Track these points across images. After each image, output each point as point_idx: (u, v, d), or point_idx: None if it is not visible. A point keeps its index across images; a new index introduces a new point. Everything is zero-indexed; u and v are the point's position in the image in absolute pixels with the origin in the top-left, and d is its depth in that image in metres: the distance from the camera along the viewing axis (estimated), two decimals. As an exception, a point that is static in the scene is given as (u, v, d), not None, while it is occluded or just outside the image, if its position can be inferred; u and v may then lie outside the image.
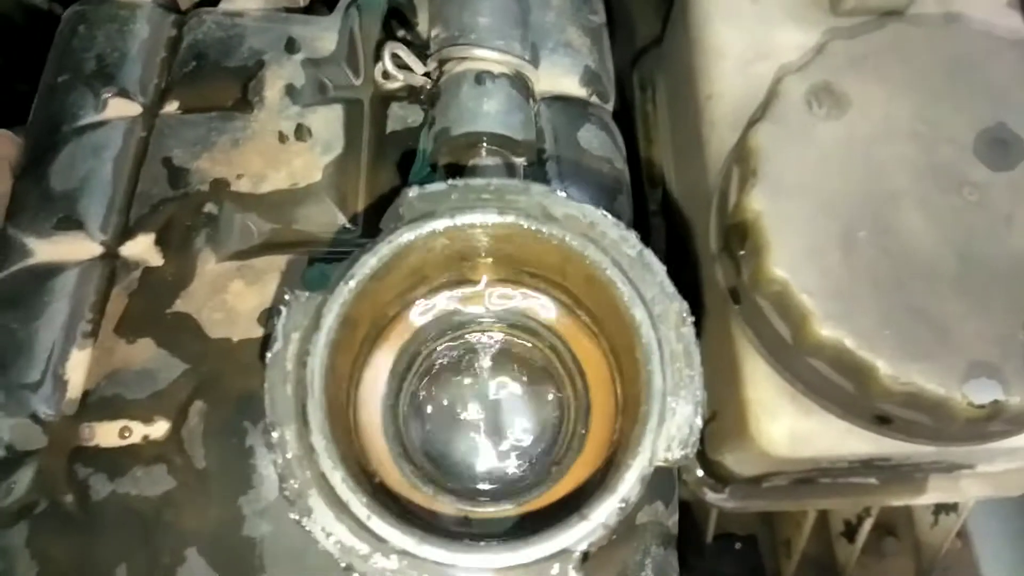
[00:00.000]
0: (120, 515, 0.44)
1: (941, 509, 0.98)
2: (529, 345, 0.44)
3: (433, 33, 0.50)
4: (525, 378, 0.44)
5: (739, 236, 0.67)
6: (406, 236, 0.39)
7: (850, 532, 0.98)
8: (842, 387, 0.65)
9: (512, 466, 0.42)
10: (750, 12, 0.79)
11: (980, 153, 0.66)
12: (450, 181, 0.40)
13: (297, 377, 0.37)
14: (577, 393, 0.43)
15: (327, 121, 0.55)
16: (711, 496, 0.87)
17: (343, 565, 0.34)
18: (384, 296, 0.41)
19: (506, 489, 0.41)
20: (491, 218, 0.40)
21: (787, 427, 0.70)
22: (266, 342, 0.39)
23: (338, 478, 0.35)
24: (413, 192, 0.41)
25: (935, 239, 0.64)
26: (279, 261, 0.50)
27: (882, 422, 0.66)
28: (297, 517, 0.35)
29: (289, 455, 0.36)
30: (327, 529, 0.35)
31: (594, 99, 0.58)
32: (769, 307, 0.67)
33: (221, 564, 0.43)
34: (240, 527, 0.43)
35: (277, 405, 0.36)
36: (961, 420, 0.60)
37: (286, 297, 0.38)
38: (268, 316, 0.47)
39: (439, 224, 0.39)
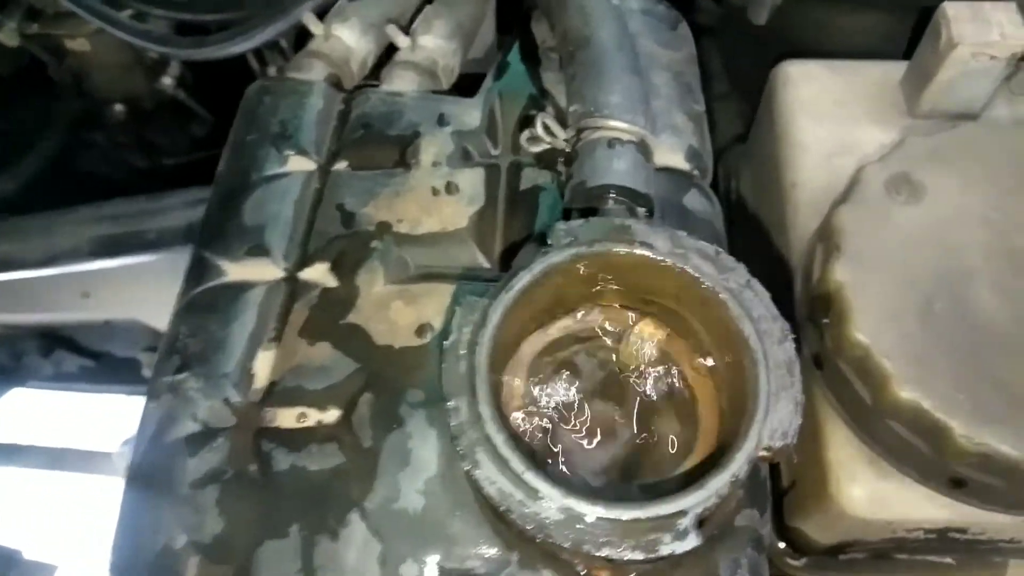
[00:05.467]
0: (296, 483, 0.53)
1: (1024, 600, 0.97)
2: (645, 361, 0.52)
3: (572, 108, 0.61)
4: (643, 389, 0.51)
5: (823, 306, 0.74)
6: (554, 258, 0.49)
7: (927, 618, 0.98)
8: (919, 449, 0.69)
9: (632, 461, 0.49)
10: (833, 111, 0.88)
11: (1051, 240, 0.72)
12: (591, 218, 0.50)
13: (468, 361, 0.46)
14: (686, 402, 0.50)
15: (471, 180, 0.67)
16: (790, 563, 0.89)
17: (502, 508, 0.42)
18: (530, 309, 0.50)
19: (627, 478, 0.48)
20: (623, 248, 0.49)
21: (866, 489, 0.73)
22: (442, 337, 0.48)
23: (500, 440, 0.43)
24: (561, 225, 0.50)
25: (1008, 315, 0.69)
26: (432, 287, 0.60)
27: (958, 485, 0.69)
28: (468, 468, 0.43)
29: (462, 419, 0.44)
30: (491, 479, 0.43)
31: (696, 173, 0.68)
32: (851, 371, 0.71)
33: (379, 529, 0.51)
34: (397, 499, 0.51)
35: (452, 382, 0.45)
36: (1033, 483, 0.64)
37: (460, 301, 0.47)
38: (422, 330, 0.57)
39: (581, 250, 0.49)
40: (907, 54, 0.87)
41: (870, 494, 0.72)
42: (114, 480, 0.57)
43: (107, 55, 1.42)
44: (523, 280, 0.47)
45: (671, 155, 0.68)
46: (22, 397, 1.76)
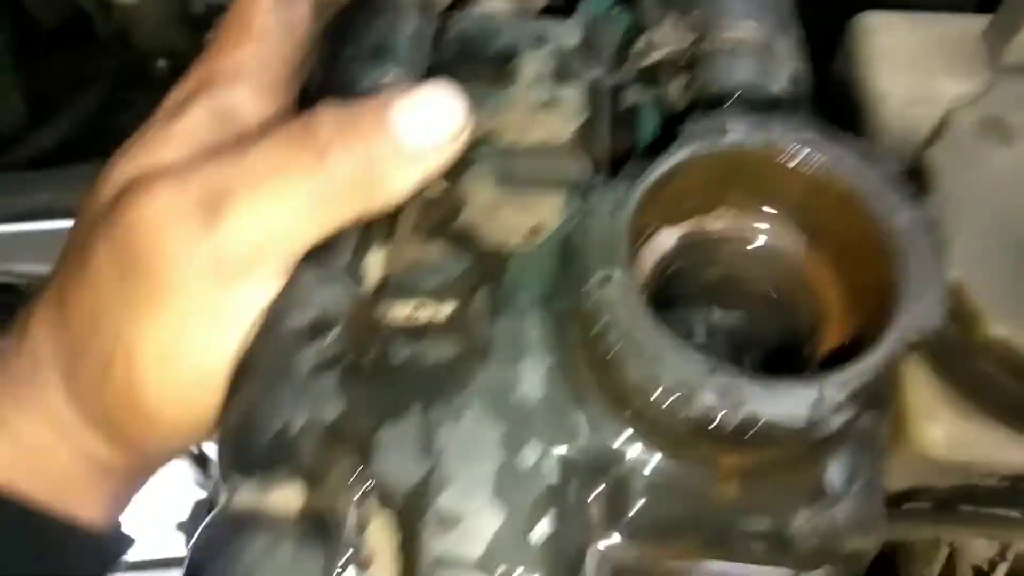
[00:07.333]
0: (415, 371, 0.53)
1: (1088, 561, 0.96)
2: (767, 264, 0.53)
3: (693, 13, 0.61)
4: (764, 289, 0.52)
5: (913, 245, 0.73)
6: (689, 150, 0.49)
7: (980, 577, 0.97)
8: (1007, 389, 0.69)
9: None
10: (912, 62, 0.88)
11: None
12: (723, 113, 0.50)
13: (609, 235, 0.46)
14: (811, 300, 0.51)
15: (573, 96, 0.67)
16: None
17: (645, 388, 0.43)
18: (658, 204, 0.50)
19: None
20: (759, 140, 0.49)
21: (946, 430, 0.73)
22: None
23: (644, 315, 0.44)
24: (693, 121, 0.50)
25: (1104, 256, 0.68)
26: (541, 195, 0.61)
27: (1043, 428, 0.69)
28: (610, 346, 0.44)
29: (602, 296, 0.45)
30: (636, 355, 0.43)
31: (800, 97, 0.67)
32: (939, 308, 0.71)
33: (499, 413, 0.51)
34: (516, 386, 0.52)
35: (592, 257, 0.46)
36: (1123, 422, 0.64)
37: (594, 188, 0.47)
38: (535, 230, 0.57)
39: (726, 139, 0.49)
40: (981, 10, 0.87)
41: (949, 434, 0.72)
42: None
43: (154, 8, 1.41)
44: (665, 166, 0.48)
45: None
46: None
